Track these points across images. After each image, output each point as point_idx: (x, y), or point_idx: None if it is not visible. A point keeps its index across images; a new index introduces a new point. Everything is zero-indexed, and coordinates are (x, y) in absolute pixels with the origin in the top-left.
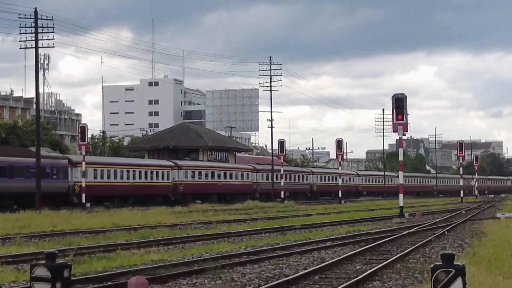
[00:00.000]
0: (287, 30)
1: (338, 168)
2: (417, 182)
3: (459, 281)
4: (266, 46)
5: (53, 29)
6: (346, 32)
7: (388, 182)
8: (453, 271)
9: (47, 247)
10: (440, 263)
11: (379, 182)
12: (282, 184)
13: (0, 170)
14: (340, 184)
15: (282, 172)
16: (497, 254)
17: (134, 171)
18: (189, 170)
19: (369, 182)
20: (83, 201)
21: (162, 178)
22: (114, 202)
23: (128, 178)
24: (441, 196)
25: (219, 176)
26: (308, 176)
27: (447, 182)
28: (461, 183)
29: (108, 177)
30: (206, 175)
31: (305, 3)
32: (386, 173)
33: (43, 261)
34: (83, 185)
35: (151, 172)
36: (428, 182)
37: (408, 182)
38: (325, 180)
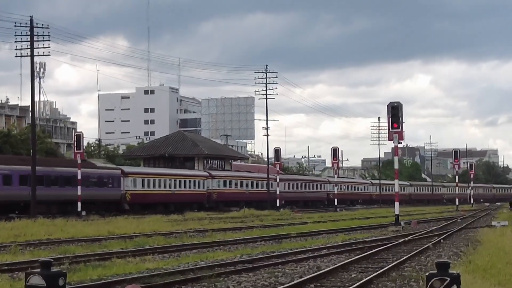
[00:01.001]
0: (283, 38)
1: (334, 176)
2: (428, 191)
3: None
4: (262, 55)
5: (48, 37)
6: (342, 40)
7: (401, 190)
8: (448, 279)
9: (42, 256)
10: (435, 272)
11: (392, 190)
12: (278, 192)
13: (66, 180)
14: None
15: (278, 180)
16: (492, 262)
17: (175, 180)
18: (221, 179)
19: (382, 190)
20: (79, 209)
21: (198, 187)
22: (157, 208)
23: (170, 187)
24: (450, 204)
25: (247, 185)
26: (325, 185)
27: (455, 191)
28: (457, 191)
29: (154, 186)
30: (236, 184)
31: (301, 12)
32: (400, 182)
33: (38, 270)
34: (79, 192)
35: (189, 182)
36: (438, 191)
37: (420, 191)
38: (341, 189)
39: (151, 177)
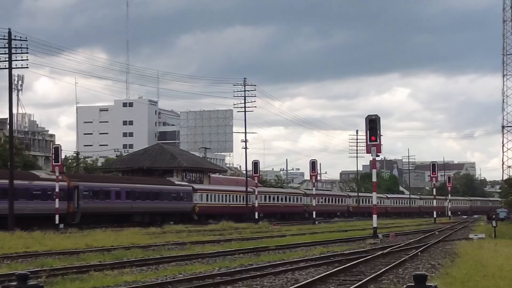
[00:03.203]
0: (263, 51)
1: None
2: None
3: None
4: (241, 68)
5: (27, 50)
6: (321, 53)
7: (412, 203)
8: None
9: (20, 269)
10: (413, 284)
11: (405, 203)
12: (256, 204)
13: (155, 195)
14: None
15: (256, 193)
16: (470, 275)
17: (228, 195)
18: (262, 195)
19: (396, 204)
20: (57, 222)
21: (243, 201)
22: (216, 218)
23: (224, 200)
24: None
25: (281, 199)
26: (346, 199)
27: (457, 204)
28: (435, 204)
29: (214, 200)
30: (274, 199)
31: (280, 25)
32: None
33: (15, 283)
34: (57, 205)
35: (238, 196)
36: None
37: (428, 204)
38: (359, 202)
39: (213, 192)
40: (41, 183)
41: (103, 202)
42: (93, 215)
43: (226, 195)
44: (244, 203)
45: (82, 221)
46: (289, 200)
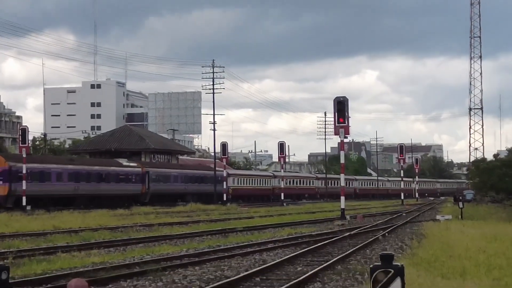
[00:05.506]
0: (231, 33)
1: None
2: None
3: (398, 281)
4: (210, 50)
5: None
6: (290, 36)
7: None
8: (392, 271)
9: None
10: (379, 264)
11: (401, 186)
12: (224, 187)
13: (201, 179)
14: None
15: (225, 174)
16: (436, 255)
17: (254, 179)
18: (283, 178)
19: (395, 186)
20: (23, 203)
21: (266, 184)
22: (245, 199)
23: (252, 183)
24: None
25: (296, 182)
26: (353, 182)
27: (446, 186)
28: (402, 186)
29: (244, 183)
30: (291, 182)
31: (249, 7)
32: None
33: None
34: (24, 187)
35: (262, 180)
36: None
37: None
38: (366, 185)
39: (243, 177)
40: (124, 169)
41: (165, 184)
42: (159, 195)
43: (253, 179)
44: (269, 186)
45: (150, 200)
46: (303, 183)
